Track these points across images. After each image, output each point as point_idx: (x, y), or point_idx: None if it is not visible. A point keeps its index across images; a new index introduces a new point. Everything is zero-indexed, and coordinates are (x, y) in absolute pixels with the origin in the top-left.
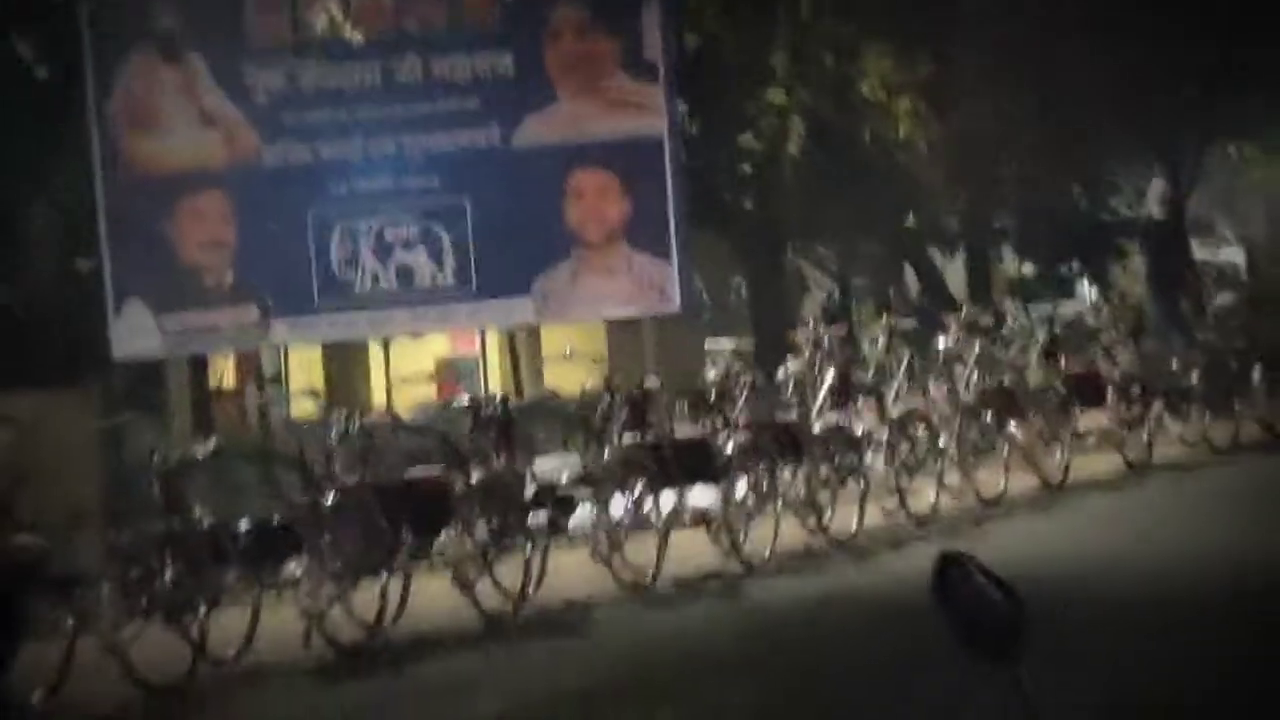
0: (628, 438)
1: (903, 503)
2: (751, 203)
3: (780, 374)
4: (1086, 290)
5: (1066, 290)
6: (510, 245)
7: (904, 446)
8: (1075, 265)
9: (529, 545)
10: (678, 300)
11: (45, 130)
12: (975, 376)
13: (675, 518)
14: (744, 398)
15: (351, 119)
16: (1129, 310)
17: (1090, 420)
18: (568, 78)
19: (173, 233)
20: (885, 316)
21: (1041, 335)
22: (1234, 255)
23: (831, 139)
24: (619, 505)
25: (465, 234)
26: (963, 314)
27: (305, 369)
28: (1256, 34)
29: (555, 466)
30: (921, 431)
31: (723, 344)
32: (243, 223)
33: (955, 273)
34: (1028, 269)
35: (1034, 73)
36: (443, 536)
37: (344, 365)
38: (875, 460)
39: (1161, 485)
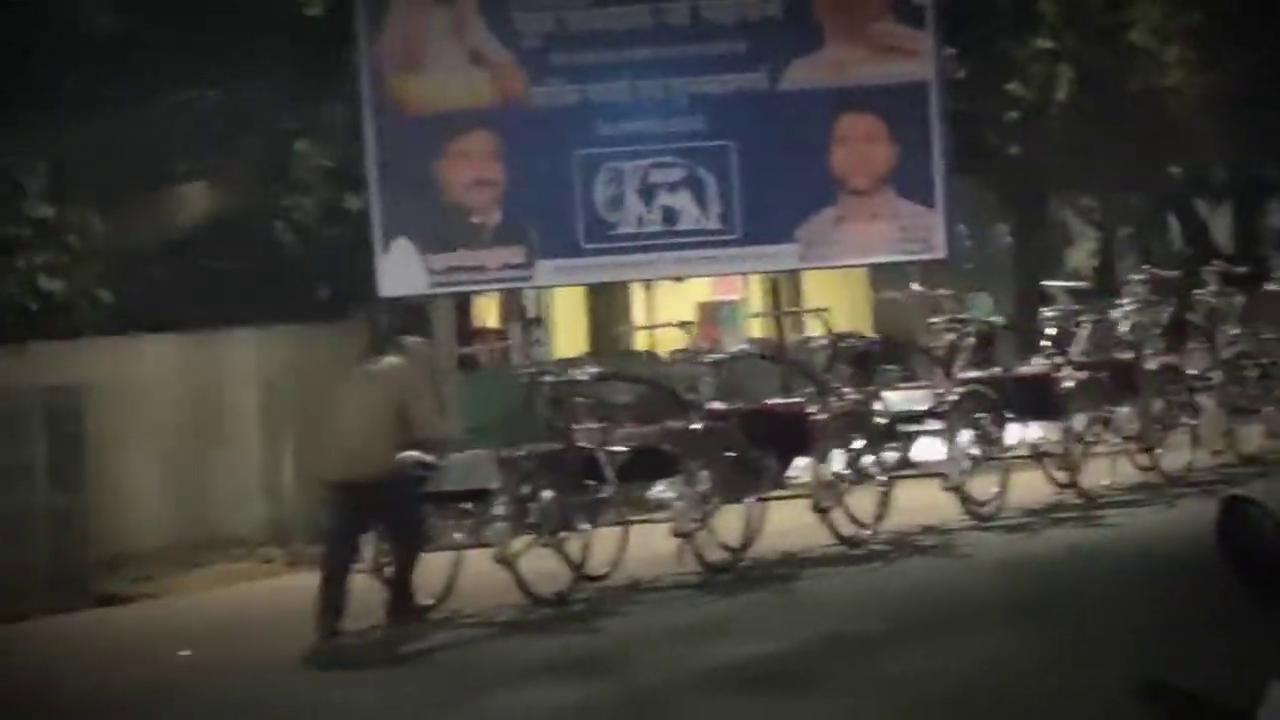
0: (971, 373)
1: (1231, 444)
2: (1018, 150)
3: (1116, 314)
4: None
5: None
6: (775, 190)
7: (1234, 388)
8: None
9: (881, 474)
10: (942, 247)
11: (315, 68)
12: None
13: (1015, 451)
14: (1083, 336)
15: (619, 61)
16: None
17: None
18: (835, 21)
19: (441, 173)
20: (1218, 261)
21: None
22: None
23: (1099, 87)
24: (966, 438)
25: (730, 178)
26: None
27: (567, 309)
28: None
29: (904, 399)
30: (1252, 373)
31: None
32: (510, 163)
33: (1220, 225)
34: None
35: None
36: (799, 465)
37: (606, 307)
38: (1206, 401)
39: None
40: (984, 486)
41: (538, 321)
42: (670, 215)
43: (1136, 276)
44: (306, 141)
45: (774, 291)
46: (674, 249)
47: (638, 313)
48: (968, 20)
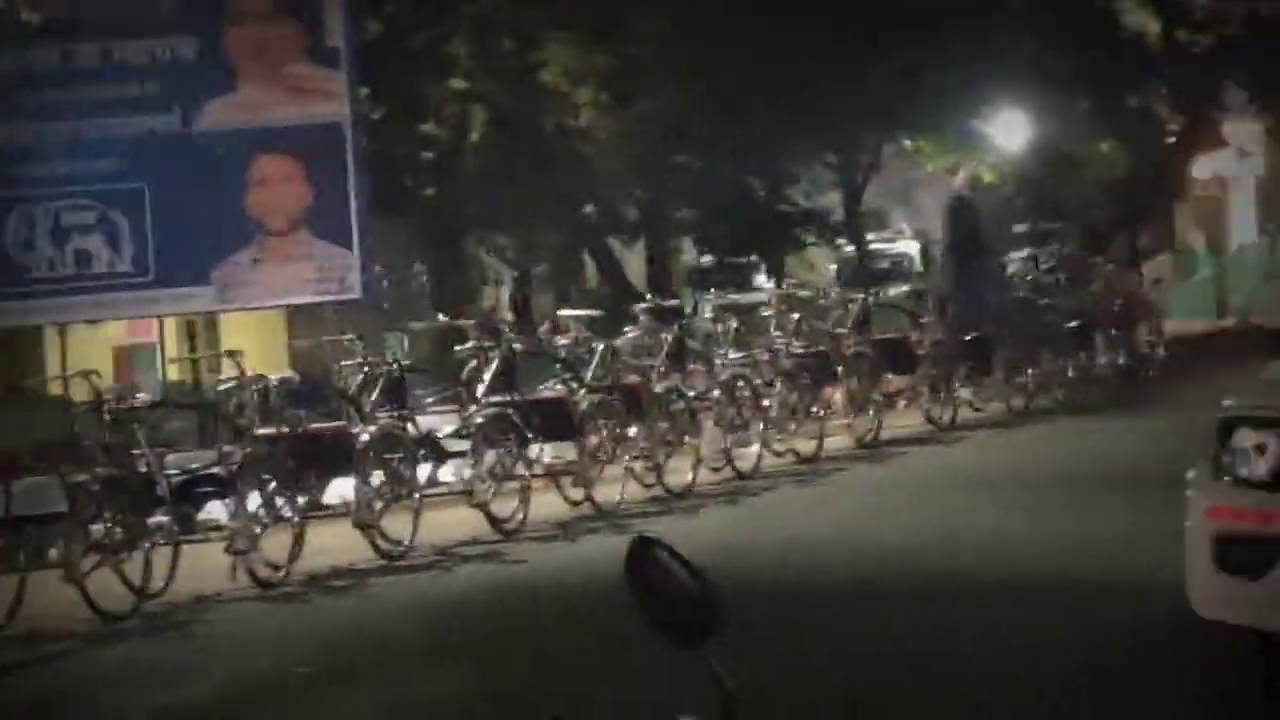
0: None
1: (730, 460)
2: (433, 191)
3: (621, 341)
4: (764, 280)
5: (743, 281)
6: (190, 232)
7: (730, 409)
8: (752, 256)
9: (415, 493)
10: (359, 288)
11: None
12: (794, 344)
13: (535, 470)
14: (595, 361)
15: (29, 102)
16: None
17: (898, 384)
18: (249, 63)
19: None
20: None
21: (854, 308)
22: (908, 247)
23: (513, 127)
24: (491, 457)
25: (144, 220)
26: (783, 287)
27: None
28: (933, 33)
29: (434, 422)
30: (746, 393)
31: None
32: None
33: (635, 263)
34: (707, 259)
35: (715, 66)
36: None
37: (19, 351)
38: (706, 421)
39: (964, 443)
40: (506, 504)
41: None
42: (83, 258)
43: (642, 305)
44: None
45: (191, 334)
46: (87, 292)
47: (52, 358)
48: (382, 61)
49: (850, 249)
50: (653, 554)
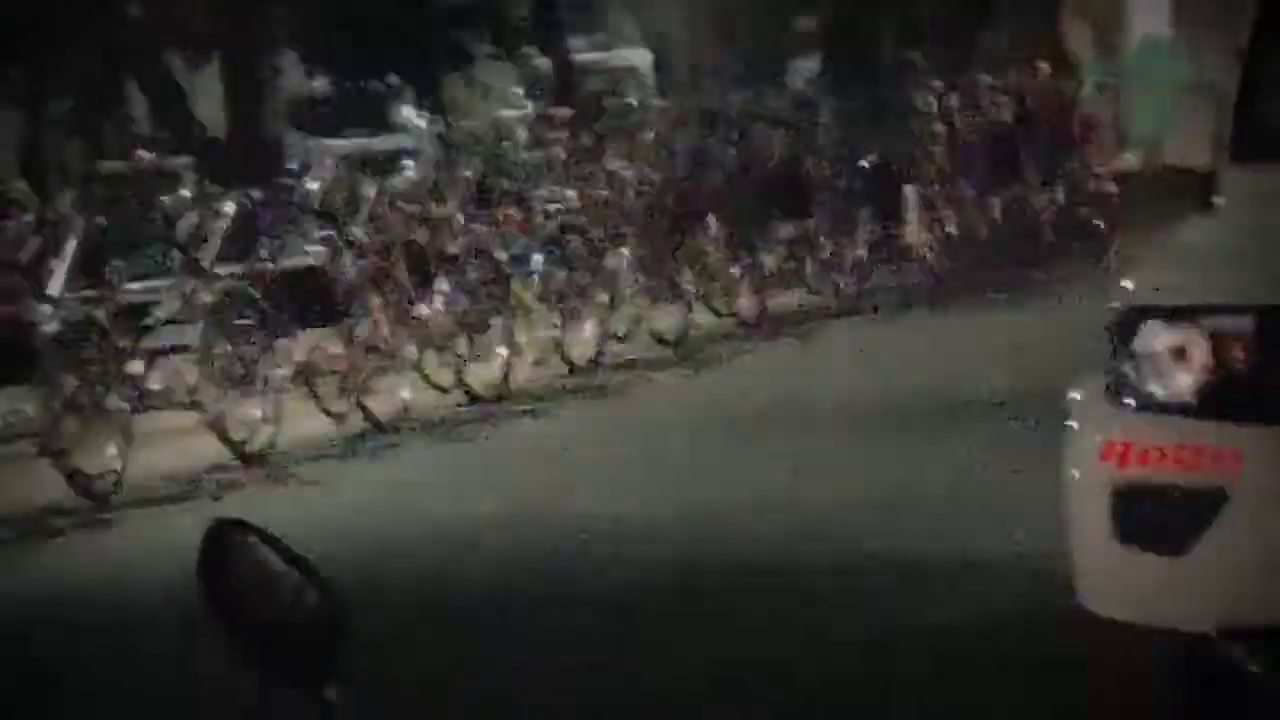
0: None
1: (560, 348)
2: None
3: (398, 181)
4: (412, 114)
5: (380, 116)
6: None
7: (560, 273)
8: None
9: (122, 406)
10: None
11: None
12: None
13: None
14: (364, 212)
15: None
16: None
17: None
18: None
19: None
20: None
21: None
22: (636, 57)
23: None
24: (226, 352)
25: None
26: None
27: None
28: None
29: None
30: (581, 248)
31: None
32: None
33: (211, 91)
34: (320, 84)
35: None
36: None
37: None
38: (525, 292)
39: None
40: (248, 419)
41: None
42: None
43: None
44: None
45: None
46: None
47: None
48: None
49: (543, 62)
50: (234, 541)
